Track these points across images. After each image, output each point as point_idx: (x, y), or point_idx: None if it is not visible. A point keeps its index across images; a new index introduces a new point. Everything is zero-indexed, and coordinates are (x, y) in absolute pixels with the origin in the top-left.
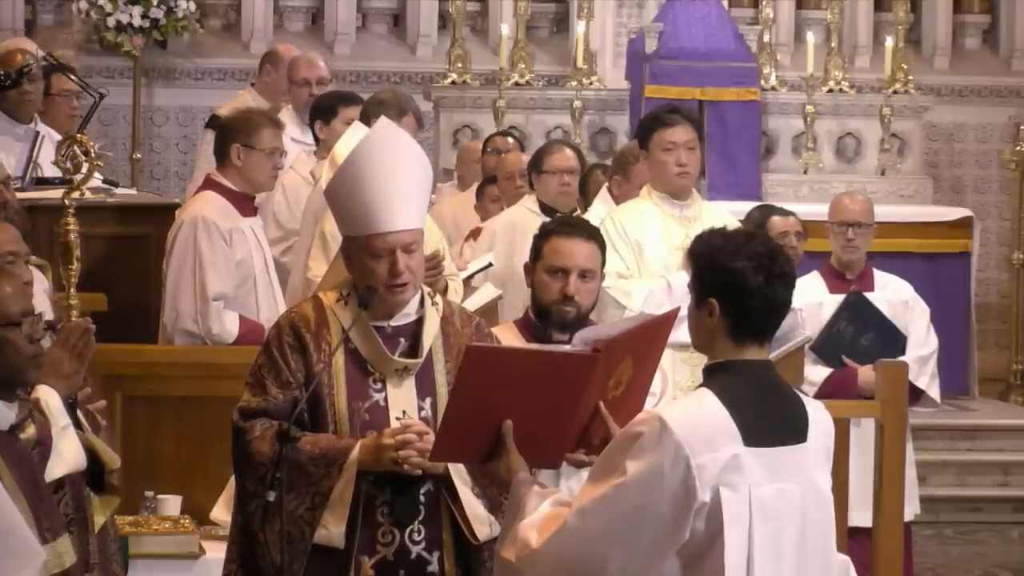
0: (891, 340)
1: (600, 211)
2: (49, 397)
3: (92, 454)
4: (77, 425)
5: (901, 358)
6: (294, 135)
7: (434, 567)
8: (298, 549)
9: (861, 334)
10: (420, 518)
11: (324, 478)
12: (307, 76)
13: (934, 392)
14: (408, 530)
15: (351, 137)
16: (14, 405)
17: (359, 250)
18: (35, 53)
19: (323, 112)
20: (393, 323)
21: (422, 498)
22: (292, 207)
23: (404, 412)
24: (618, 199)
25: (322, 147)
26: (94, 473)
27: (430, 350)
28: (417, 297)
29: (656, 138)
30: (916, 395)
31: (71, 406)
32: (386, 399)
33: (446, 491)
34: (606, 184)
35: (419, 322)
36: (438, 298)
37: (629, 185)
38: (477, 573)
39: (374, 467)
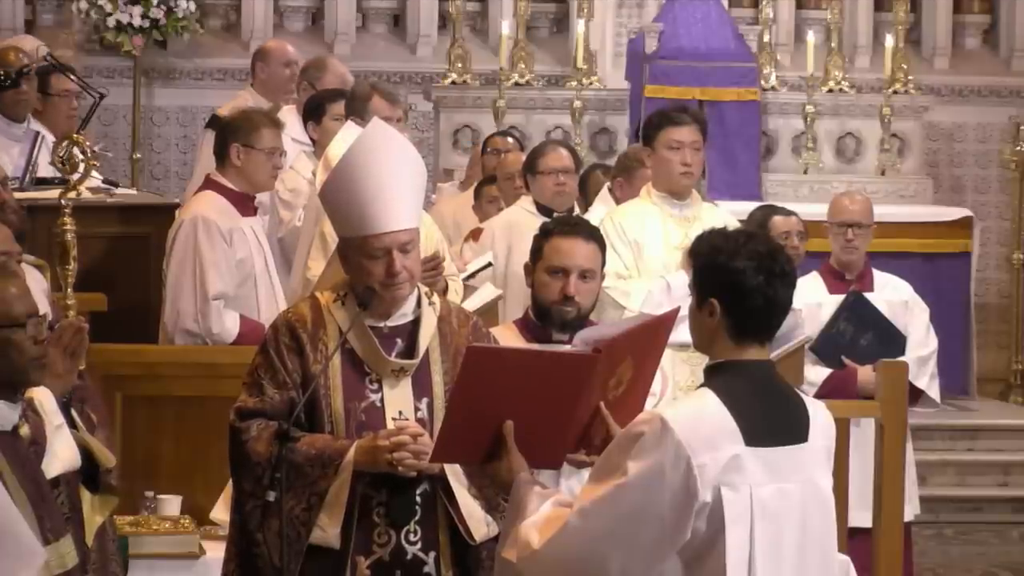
0: (890, 340)
1: (600, 212)
2: (43, 396)
3: (87, 453)
4: (71, 424)
5: (901, 358)
6: (295, 135)
7: (430, 568)
8: (294, 550)
9: (861, 334)
10: (416, 518)
11: (320, 479)
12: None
13: (934, 392)
14: (404, 530)
15: (343, 137)
16: (17, 406)
17: (355, 251)
18: (33, 53)
19: (312, 113)
20: (390, 323)
21: (418, 499)
22: (293, 191)
23: (400, 413)
24: (620, 202)
25: (318, 147)
26: (89, 472)
27: (427, 350)
28: (414, 297)
29: (663, 136)
30: (916, 395)
31: (65, 405)
32: (382, 400)
33: (442, 491)
34: (607, 185)
35: (416, 322)
36: (435, 298)
37: (631, 188)
38: (474, 573)
39: (370, 468)
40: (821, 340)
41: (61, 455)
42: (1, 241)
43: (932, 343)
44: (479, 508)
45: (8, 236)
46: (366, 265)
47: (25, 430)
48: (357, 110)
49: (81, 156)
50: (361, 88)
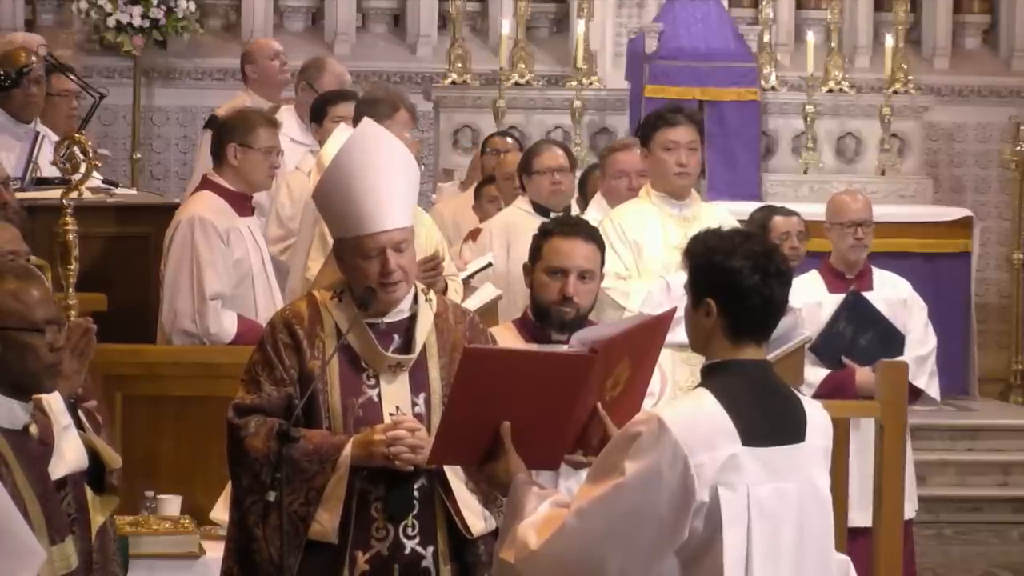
0: (890, 340)
1: (594, 213)
2: (51, 397)
3: (93, 454)
4: (78, 425)
5: (900, 358)
6: (294, 135)
7: (428, 562)
8: (293, 545)
9: (860, 334)
10: (414, 513)
11: (318, 474)
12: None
13: (933, 391)
14: (402, 525)
15: (338, 139)
16: (28, 406)
17: (350, 251)
18: (37, 52)
19: (314, 115)
20: (387, 320)
21: (416, 493)
22: (296, 206)
23: (397, 408)
24: (604, 194)
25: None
26: (94, 473)
27: (424, 346)
28: (410, 294)
29: (658, 137)
30: (915, 394)
31: (71, 406)
32: (380, 395)
33: (440, 486)
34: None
35: (412, 318)
36: (432, 294)
37: (604, 178)
38: (472, 567)
39: (367, 463)
40: (821, 340)
41: (68, 456)
42: (9, 240)
43: (931, 341)
44: (476, 502)
45: (16, 236)
46: (362, 265)
47: (33, 430)
48: (381, 114)
49: (82, 156)
50: (392, 97)
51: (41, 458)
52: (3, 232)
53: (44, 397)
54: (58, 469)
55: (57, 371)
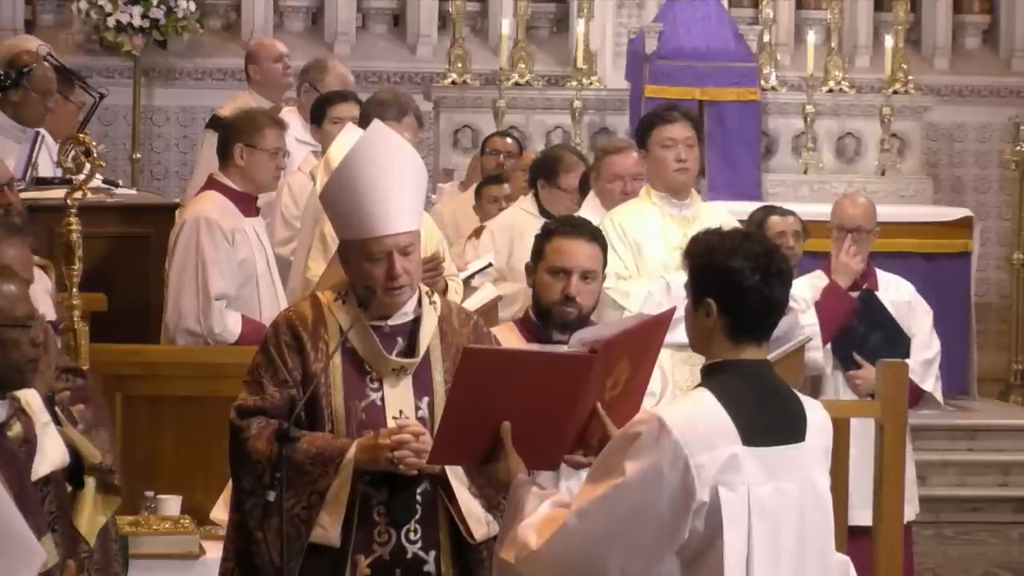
0: (896, 342)
1: (589, 215)
2: (28, 395)
3: (73, 450)
4: (56, 420)
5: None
6: (299, 135)
7: (430, 567)
8: (295, 548)
9: (870, 333)
10: (417, 517)
11: (320, 477)
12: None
13: (939, 395)
14: (405, 529)
15: (344, 140)
16: (5, 403)
17: (356, 254)
18: (39, 51)
19: (314, 116)
20: (391, 322)
21: (419, 497)
22: (299, 206)
23: (401, 412)
24: (597, 195)
25: (321, 149)
26: (73, 469)
27: (428, 350)
28: (415, 296)
29: (655, 135)
30: (916, 397)
31: (48, 401)
32: (383, 399)
33: (443, 491)
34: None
35: (416, 321)
36: (436, 297)
37: (599, 180)
38: (474, 573)
39: (370, 467)
40: (838, 337)
41: (50, 454)
42: (22, 267)
43: (936, 345)
44: (479, 507)
45: (29, 261)
46: (367, 268)
47: (17, 429)
48: (388, 117)
49: (85, 156)
50: (402, 100)
51: (17, 456)
52: (20, 253)
53: (22, 395)
54: (41, 467)
55: (37, 366)
